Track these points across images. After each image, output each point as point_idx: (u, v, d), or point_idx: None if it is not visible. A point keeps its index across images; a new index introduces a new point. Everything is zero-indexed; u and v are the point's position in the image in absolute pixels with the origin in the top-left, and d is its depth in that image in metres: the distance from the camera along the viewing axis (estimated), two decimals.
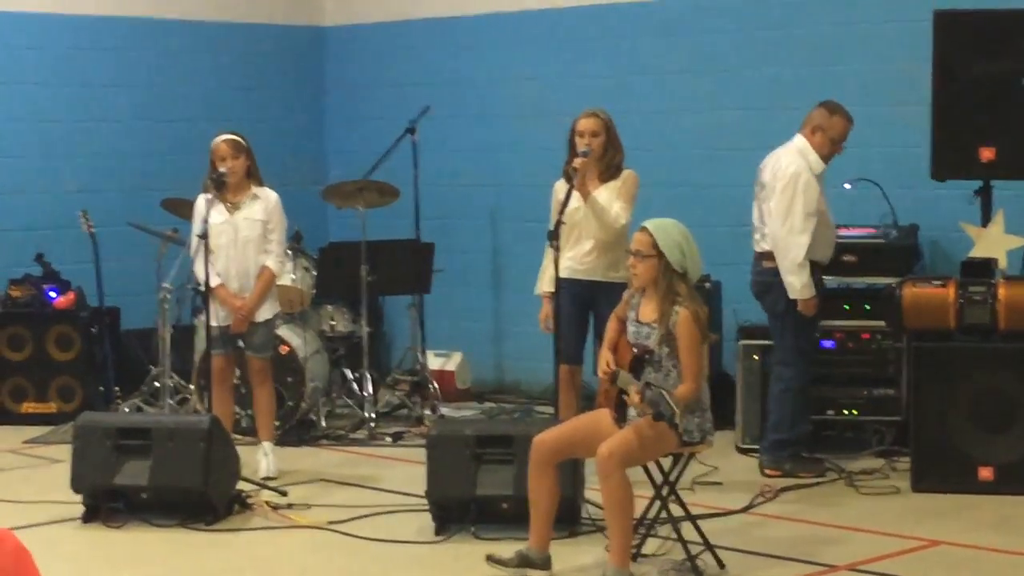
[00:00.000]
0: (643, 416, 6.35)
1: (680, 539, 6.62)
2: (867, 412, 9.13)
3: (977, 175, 8.63)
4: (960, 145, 8.53)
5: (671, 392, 6.16)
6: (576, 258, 8.31)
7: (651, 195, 9.00)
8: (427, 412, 10.39)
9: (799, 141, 8.52)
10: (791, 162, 8.41)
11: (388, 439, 9.83)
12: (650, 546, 6.84)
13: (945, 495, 8.05)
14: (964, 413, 8.16)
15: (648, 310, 6.56)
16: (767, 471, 8.54)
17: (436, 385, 10.73)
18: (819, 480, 8.47)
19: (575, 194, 8.07)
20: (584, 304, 8.34)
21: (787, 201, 8.35)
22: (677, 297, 6.47)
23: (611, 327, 6.75)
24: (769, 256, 8.48)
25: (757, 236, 8.62)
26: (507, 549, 6.67)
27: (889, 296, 8.54)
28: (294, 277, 9.99)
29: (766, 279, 8.54)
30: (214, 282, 8.49)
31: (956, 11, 8.55)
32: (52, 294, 10.72)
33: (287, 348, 9.78)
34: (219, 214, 8.55)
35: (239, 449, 8.10)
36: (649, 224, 6.61)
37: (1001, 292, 8.18)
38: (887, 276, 8.80)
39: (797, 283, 8.36)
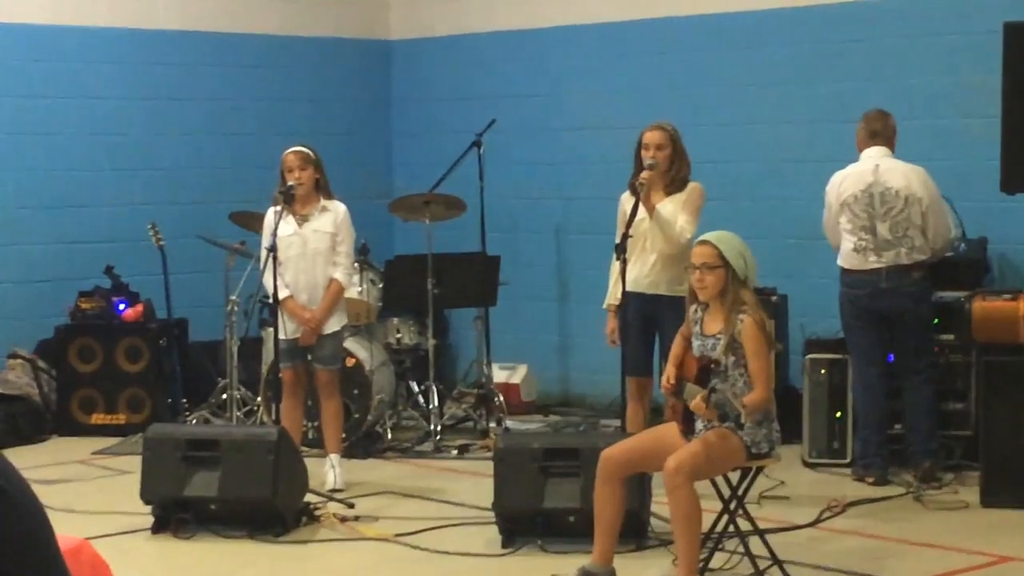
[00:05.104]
0: (710, 426, 6.35)
1: (748, 553, 6.61)
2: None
3: None
4: None
5: (737, 396, 6.15)
6: (641, 271, 8.29)
7: (717, 208, 8.98)
8: (492, 425, 10.39)
9: (893, 158, 8.65)
10: (926, 178, 8.60)
11: (454, 452, 9.85)
12: (717, 560, 6.81)
13: (1015, 510, 7.97)
14: None
15: (713, 323, 6.55)
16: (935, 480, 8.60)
17: (501, 398, 10.72)
18: (887, 495, 8.42)
19: (641, 207, 8.07)
20: (648, 318, 8.30)
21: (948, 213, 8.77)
22: (743, 306, 6.46)
23: (677, 343, 6.74)
24: (918, 266, 8.55)
25: (903, 249, 8.54)
26: (572, 564, 6.67)
27: (958, 310, 8.48)
28: (360, 290, 10.03)
29: (918, 290, 8.62)
30: (283, 294, 8.52)
31: None
32: (121, 306, 10.80)
33: (353, 360, 9.81)
34: (288, 226, 8.60)
35: (306, 461, 8.15)
36: (710, 236, 6.60)
37: None
38: (956, 290, 8.75)
39: None
